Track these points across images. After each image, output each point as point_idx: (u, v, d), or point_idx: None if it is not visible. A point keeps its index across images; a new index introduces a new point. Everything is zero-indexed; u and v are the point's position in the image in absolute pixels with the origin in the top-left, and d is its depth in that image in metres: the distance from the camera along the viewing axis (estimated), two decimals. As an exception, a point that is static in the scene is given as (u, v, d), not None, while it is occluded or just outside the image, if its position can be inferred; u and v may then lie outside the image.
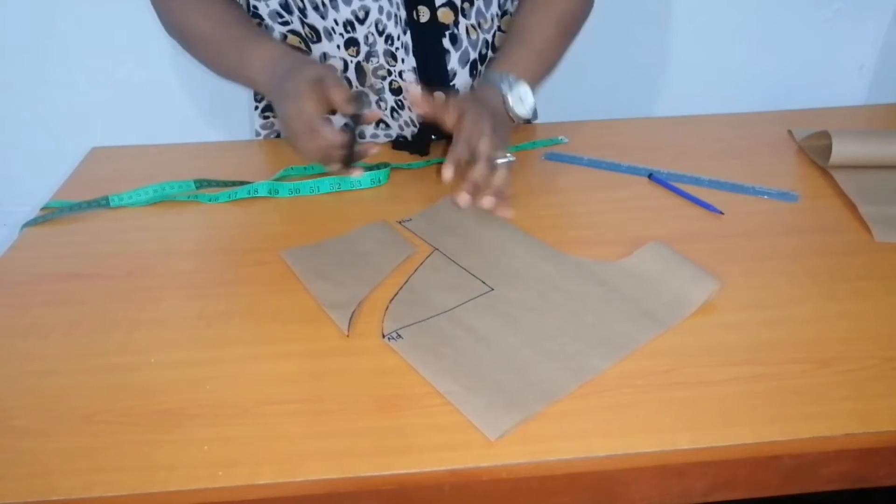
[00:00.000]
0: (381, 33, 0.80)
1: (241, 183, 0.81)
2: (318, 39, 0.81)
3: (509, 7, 0.86)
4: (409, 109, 0.85)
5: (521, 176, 0.83)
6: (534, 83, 0.77)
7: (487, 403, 0.52)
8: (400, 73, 0.82)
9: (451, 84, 0.84)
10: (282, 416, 0.52)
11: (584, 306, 0.61)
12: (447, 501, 0.51)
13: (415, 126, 0.88)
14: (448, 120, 0.70)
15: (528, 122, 0.92)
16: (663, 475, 0.51)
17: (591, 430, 0.50)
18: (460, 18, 0.81)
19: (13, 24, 1.17)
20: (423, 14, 0.79)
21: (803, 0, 1.23)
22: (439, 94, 0.74)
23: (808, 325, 0.59)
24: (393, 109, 0.86)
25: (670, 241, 0.67)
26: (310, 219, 0.76)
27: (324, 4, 0.78)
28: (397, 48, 0.80)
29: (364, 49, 0.81)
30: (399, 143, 0.89)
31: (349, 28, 0.79)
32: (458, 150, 0.67)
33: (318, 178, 0.81)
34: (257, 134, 0.95)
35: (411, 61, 0.81)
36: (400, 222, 0.74)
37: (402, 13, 0.79)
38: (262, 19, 0.82)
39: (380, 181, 0.81)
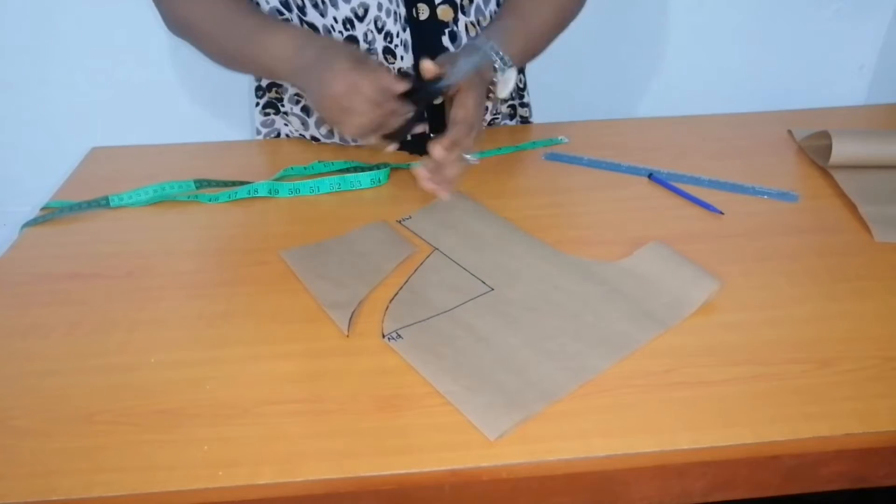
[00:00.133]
0: (380, 30, 0.79)
1: (241, 183, 0.81)
2: None
3: None
4: None
5: (521, 176, 0.83)
6: (519, 66, 0.76)
7: (487, 403, 0.52)
8: (399, 71, 0.82)
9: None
10: (282, 416, 0.52)
11: (584, 306, 0.61)
12: (447, 501, 0.51)
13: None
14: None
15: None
16: (663, 475, 0.51)
17: (591, 430, 0.50)
18: (460, 16, 0.81)
19: (13, 24, 1.18)
20: (423, 11, 0.79)
21: (803, 0, 1.23)
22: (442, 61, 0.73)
23: (808, 325, 0.59)
24: None
25: (670, 241, 0.67)
26: (310, 219, 0.76)
27: (323, 2, 0.78)
28: (396, 45, 0.80)
29: (364, 47, 0.81)
30: (399, 143, 0.89)
31: (348, 26, 0.79)
32: (459, 131, 0.68)
33: (318, 178, 0.81)
34: (258, 132, 0.95)
35: (410, 59, 0.81)
36: (399, 221, 0.74)
37: (402, 10, 0.79)
38: None
39: (380, 181, 0.81)
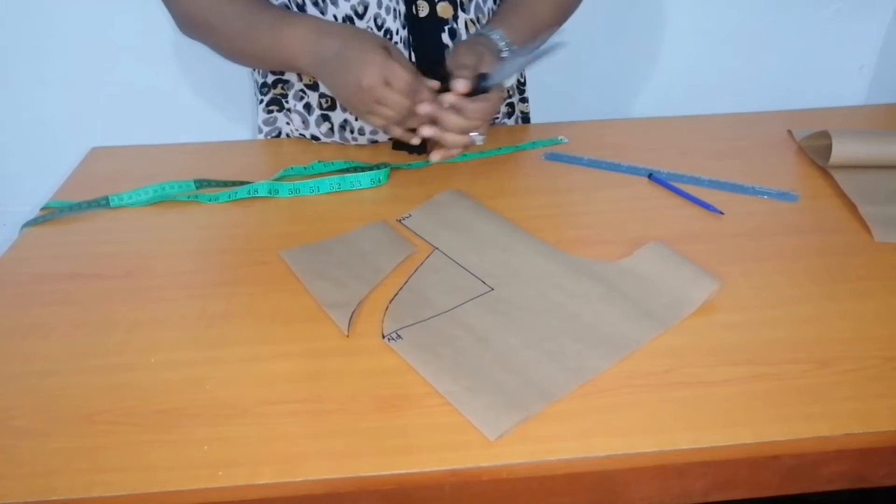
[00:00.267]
0: (379, 28, 0.79)
1: (241, 183, 0.81)
2: None
3: None
4: None
5: (521, 176, 0.83)
6: None
7: (487, 404, 0.52)
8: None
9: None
10: (282, 416, 0.52)
11: (583, 306, 0.61)
12: (447, 501, 0.51)
13: None
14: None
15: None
16: (663, 475, 0.51)
17: (591, 430, 0.50)
18: (459, 13, 0.81)
19: (13, 24, 1.18)
20: (423, 9, 0.79)
21: (803, 0, 1.23)
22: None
23: (808, 325, 0.59)
24: None
25: (670, 241, 0.67)
26: (310, 219, 0.76)
27: (323, 0, 0.78)
28: (396, 43, 0.80)
29: None
30: (398, 143, 0.89)
31: (348, 23, 0.79)
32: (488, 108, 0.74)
33: (318, 178, 0.81)
34: (259, 130, 0.95)
35: (409, 56, 0.81)
36: (399, 220, 0.74)
37: (402, 8, 0.79)
38: None
39: (380, 181, 0.81)
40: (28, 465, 0.49)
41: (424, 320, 0.60)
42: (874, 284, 0.63)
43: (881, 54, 1.29)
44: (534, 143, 0.89)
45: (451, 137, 0.75)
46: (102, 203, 0.78)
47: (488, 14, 0.84)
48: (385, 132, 0.77)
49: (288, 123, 0.92)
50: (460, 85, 0.72)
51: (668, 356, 0.56)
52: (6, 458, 0.50)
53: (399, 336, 0.58)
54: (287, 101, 0.90)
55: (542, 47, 0.72)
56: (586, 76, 1.30)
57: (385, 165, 0.83)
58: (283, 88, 0.89)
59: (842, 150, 0.78)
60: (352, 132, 0.88)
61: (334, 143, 0.90)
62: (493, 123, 0.96)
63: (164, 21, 0.81)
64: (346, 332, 0.59)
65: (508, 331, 0.59)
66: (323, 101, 0.86)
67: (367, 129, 0.89)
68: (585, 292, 0.62)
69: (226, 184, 0.82)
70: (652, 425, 0.50)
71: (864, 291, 0.63)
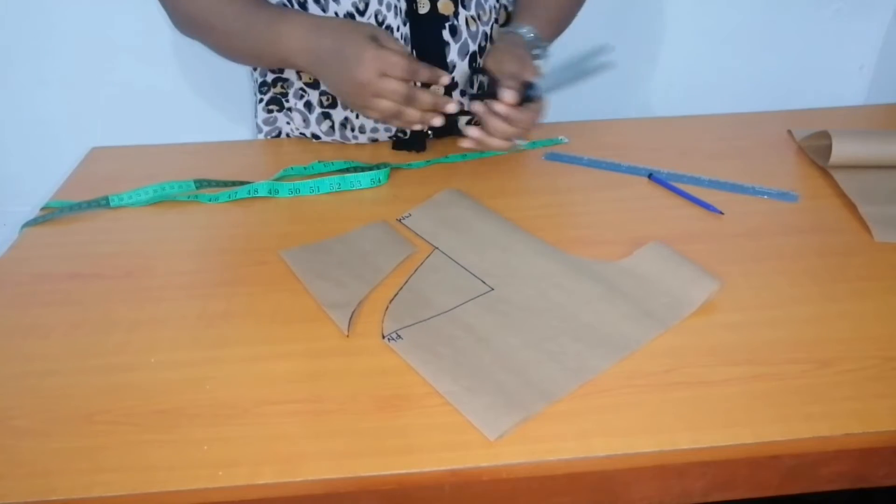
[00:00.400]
0: (380, 24, 0.79)
1: (241, 183, 0.81)
2: None
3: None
4: None
5: (521, 176, 0.83)
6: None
7: (487, 404, 0.52)
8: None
9: (451, 76, 0.84)
10: (282, 416, 0.52)
11: (583, 306, 0.61)
12: (447, 501, 0.51)
13: None
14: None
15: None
16: (663, 475, 0.51)
17: (591, 430, 0.50)
18: (460, 10, 0.81)
19: (13, 24, 1.17)
20: (423, 5, 0.79)
21: (803, 0, 1.23)
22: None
23: (808, 325, 0.59)
24: None
25: (670, 241, 0.67)
26: (310, 219, 0.76)
27: None
28: (396, 39, 0.80)
29: None
30: (398, 142, 0.89)
31: (341, 18, 0.79)
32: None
33: (318, 178, 0.81)
34: (259, 129, 0.95)
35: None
36: (399, 219, 0.74)
37: (402, 4, 0.79)
38: None
39: (380, 181, 0.81)
40: (28, 465, 0.49)
41: (424, 320, 0.60)
42: (874, 284, 0.63)
43: (881, 54, 1.29)
44: (534, 143, 0.89)
45: (495, 142, 0.76)
46: (102, 203, 0.78)
47: (489, 11, 0.84)
48: (385, 125, 0.78)
49: (288, 123, 0.92)
50: (509, 96, 0.72)
51: (668, 356, 0.56)
52: (6, 458, 0.50)
53: (399, 336, 0.58)
54: (287, 100, 0.90)
55: (591, 66, 0.74)
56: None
57: (385, 165, 0.83)
58: (282, 87, 0.89)
59: (842, 150, 0.78)
60: (353, 130, 0.88)
61: (335, 141, 0.90)
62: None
63: (164, 21, 0.81)
64: (346, 332, 0.59)
65: (508, 331, 0.59)
66: (324, 98, 0.87)
67: (368, 127, 0.89)
68: (585, 292, 0.62)
69: (226, 184, 0.82)
70: (652, 425, 0.50)
71: (864, 291, 0.63)
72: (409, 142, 0.89)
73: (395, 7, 0.79)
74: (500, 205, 0.76)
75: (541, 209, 0.76)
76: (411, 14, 0.80)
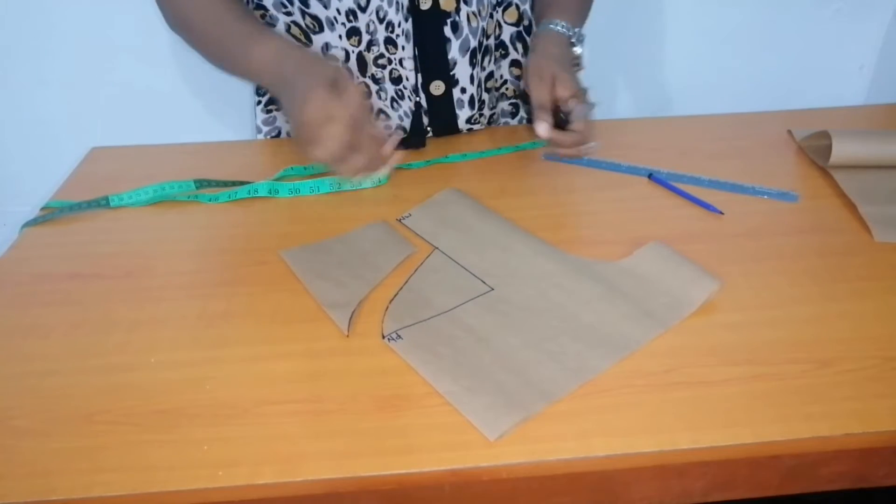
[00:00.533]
0: (381, 20, 0.79)
1: (241, 183, 0.81)
2: (321, 29, 0.81)
3: None
4: (409, 99, 0.86)
5: (521, 176, 0.83)
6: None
7: (487, 404, 0.52)
8: (400, 61, 0.82)
9: (451, 73, 0.84)
10: (282, 416, 0.52)
11: (583, 306, 0.61)
12: (447, 501, 0.51)
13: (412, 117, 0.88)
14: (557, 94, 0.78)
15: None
16: (663, 475, 0.51)
17: (591, 430, 0.50)
18: (462, 6, 0.81)
19: (13, 23, 1.18)
20: (425, 1, 0.79)
21: (803, 0, 1.23)
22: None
23: (808, 325, 0.59)
24: (393, 99, 0.86)
25: (670, 241, 0.67)
26: (310, 219, 0.76)
27: None
28: (398, 35, 0.80)
29: (366, 38, 0.81)
30: (399, 143, 0.89)
31: (351, 17, 0.79)
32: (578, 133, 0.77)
33: (318, 178, 0.81)
34: (258, 130, 0.95)
35: (411, 49, 0.81)
36: (399, 219, 0.74)
37: (404, 0, 0.79)
38: (267, 10, 0.82)
39: (380, 181, 0.81)
40: (28, 465, 0.49)
41: (424, 320, 0.60)
42: (874, 284, 0.63)
43: (881, 54, 1.29)
44: (534, 143, 0.89)
45: (570, 152, 0.79)
46: (102, 203, 0.78)
47: (489, 7, 0.84)
48: (326, 166, 0.74)
49: (287, 122, 0.92)
50: (542, 130, 0.76)
51: (668, 356, 0.56)
52: (6, 458, 0.50)
53: (399, 336, 0.58)
54: None
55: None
56: (586, 76, 1.30)
57: (385, 165, 0.83)
58: None
59: (842, 150, 0.78)
60: None
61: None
62: (497, 123, 0.96)
63: (163, 21, 0.81)
64: (346, 332, 0.59)
65: (508, 331, 0.59)
66: None
67: None
68: (585, 292, 0.62)
69: (226, 184, 0.82)
70: (652, 425, 0.50)
71: (864, 291, 0.63)
72: (408, 137, 0.88)
73: (397, 3, 0.78)
74: (500, 205, 0.76)
75: (541, 209, 0.76)
76: (413, 10, 0.80)
